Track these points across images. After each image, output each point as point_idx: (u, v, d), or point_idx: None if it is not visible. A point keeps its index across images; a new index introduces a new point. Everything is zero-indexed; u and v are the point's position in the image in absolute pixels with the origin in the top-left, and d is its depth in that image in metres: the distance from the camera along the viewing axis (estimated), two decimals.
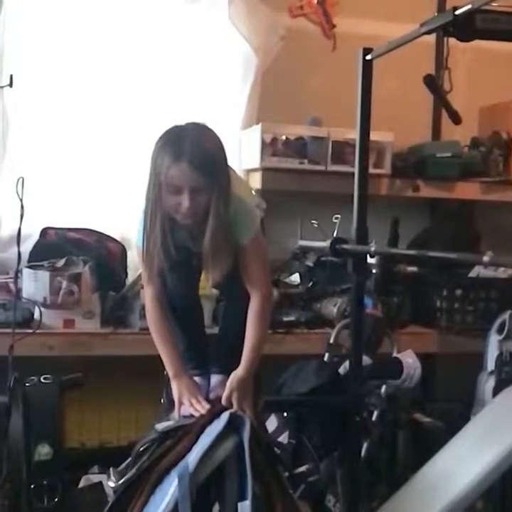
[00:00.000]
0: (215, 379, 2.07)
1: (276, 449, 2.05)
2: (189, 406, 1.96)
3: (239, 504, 1.74)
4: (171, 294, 2.07)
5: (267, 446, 1.95)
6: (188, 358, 2.10)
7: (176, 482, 1.75)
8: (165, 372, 2.07)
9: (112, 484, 2.03)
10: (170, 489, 1.75)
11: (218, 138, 1.92)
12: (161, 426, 1.97)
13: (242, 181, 2.17)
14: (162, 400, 2.16)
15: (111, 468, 2.08)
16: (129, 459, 2.02)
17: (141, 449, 1.97)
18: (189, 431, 1.89)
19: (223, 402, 1.95)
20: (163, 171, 1.84)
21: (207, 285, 2.18)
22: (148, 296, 2.08)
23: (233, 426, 1.83)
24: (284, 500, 1.87)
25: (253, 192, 2.30)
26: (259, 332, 2.00)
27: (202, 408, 1.94)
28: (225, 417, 1.84)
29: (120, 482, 1.97)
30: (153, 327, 2.07)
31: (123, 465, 2.06)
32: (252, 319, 2.00)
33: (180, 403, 1.99)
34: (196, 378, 2.07)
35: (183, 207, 1.86)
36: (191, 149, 1.83)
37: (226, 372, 2.02)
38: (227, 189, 1.92)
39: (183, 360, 2.08)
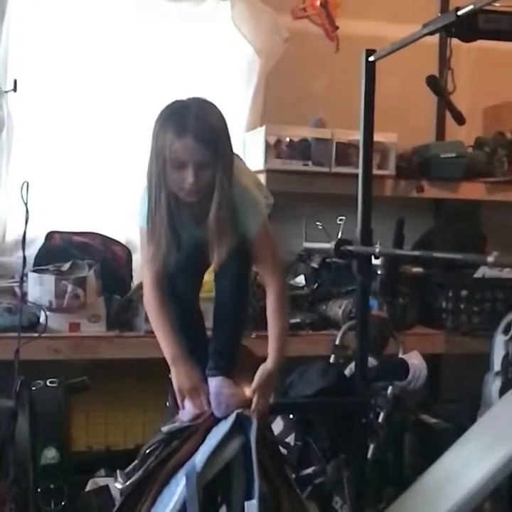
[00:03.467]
0: (213, 383, 1.96)
1: (282, 449, 2.04)
2: (189, 398, 1.92)
3: (246, 503, 1.74)
4: (173, 294, 2.02)
5: (273, 446, 1.95)
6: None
7: (183, 482, 1.75)
8: (170, 375, 2.07)
9: (119, 486, 2.03)
10: (178, 489, 1.76)
11: (221, 113, 1.87)
12: (167, 427, 1.97)
13: (247, 170, 2.10)
14: (167, 403, 2.15)
15: (118, 471, 2.08)
16: (136, 461, 2.03)
17: (148, 450, 1.97)
18: (195, 431, 1.90)
19: (250, 393, 1.90)
20: (167, 146, 1.80)
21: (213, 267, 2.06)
22: (148, 277, 2.00)
23: (240, 426, 1.83)
24: (291, 499, 1.87)
25: (260, 183, 2.22)
26: (281, 321, 1.96)
27: (201, 403, 1.90)
28: (231, 417, 1.84)
29: (127, 483, 1.97)
30: (151, 311, 2.01)
31: (130, 467, 2.07)
32: (272, 310, 1.96)
33: (181, 394, 1.93)
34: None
35: (187, 182, 1.82)
36: (195, 123, 1.79)
37: (223, 372, 1.95)
38: (232, 166, 1.88)
39: None
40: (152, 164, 1.85)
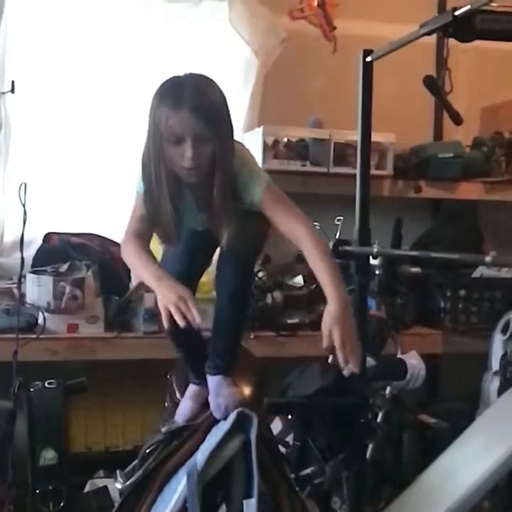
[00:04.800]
0: (212, 382, 1.92)
1: (281, 448, 2.04)
2: (176, 312, 1.65)
3: (244, 502, 1.74)
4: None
5: (272, 445, 1.95)
6: (189, 368, 2.01)
7: (184, 480, 1.75)
8: (168, 376, 2.05)
9: (119, 486, 2.03)
10: (179, 487, 1.76)
11: (221, 89, 1.81)
12: (166, 427, 1.97)
13: (246, 149, 1.97)
14: (166, 404, 2.15)
15: (117, 471, 2.08)
16: (136, 461, 2.03)
17: (148, 450, 1.97)
18: (195, 431, 1.89)
19: (325, 344, 1.74)
20: (163, 120, 1.72)
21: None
22: (129, 231, 1.88)
23: (240, 424, 1.83)
24: (290, 498, 1.87)
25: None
26: (328, 263, 1.79)
27: (192, 316, 1.65)
28: (232, 416, 1.84)
29: (127, 483, 1.97)
30: (128, 250, 1.87)
31: (129, 467, 2.07)
32: (313, 256, 1.78)
33: (167, 311, 1.67)
34: (199, 388, 1.98)
35: (186, 157, 1.73)
36: (192, 95, 1.72)
37: (222, 372, 1.91)
38: (232, 143, 1.80)
39: (184, 377, 2.00)
40: (149, 141, 1.78)
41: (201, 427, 1.89)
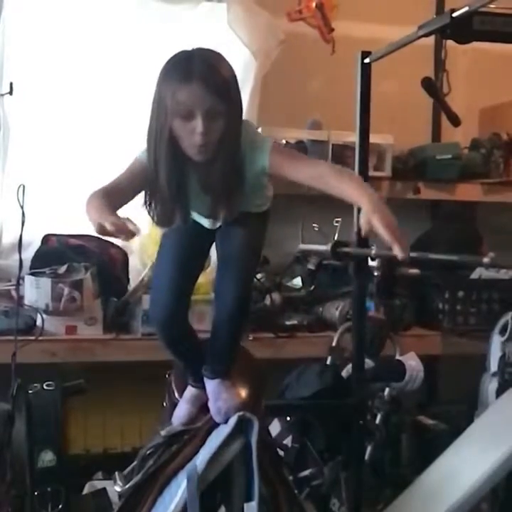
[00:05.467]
0: (210, 386, 1.89)
1: (279, 451, 2.04)
2: (111, 226, 1.58)
3: (245, 505, 1.74)
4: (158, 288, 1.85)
5: (272, 447, 1.95)
6: (187, 372, 1.97)
7: (184, 484, 1.75)
8: (166, 375, 2.05)
9: (118, 489, 2.03)
10: (179, 491, 1.76)
11: (230, 63, 1.74)
12: (166, 430, 1.97)
13: (253, 125, 1.90)
14: (165, 404, 2.15)
15: (116, 473, 2.08)
16: (135, 462, 2.02)
17: (147, 452, 1.97)
18: (195, 435, 1.89)
19: (365, 229, 1.65)
20: (172, 94, 1.65)
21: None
22: (101, 186, 1.75)
23: (240, 428, 1.82)
24: (289, 501, 1.87)
25: None
26: (351, 178, 1.72)
27: (124, 225, 1.56)
28: (233, 420, 1.83)
29: (126, 487, 1.97)
30: (89, 198, 1.74)
31: (128, 468, 2.06)
32: (331, 177, 1.72)
33: (101, 227, 1.61)
34: (197, 390, 1.95)
35: (197, 133, 1.64)
36: (203, 68, 1.65)
37: (220, 375, 1.88)
38: (241, 120, 1.74)
39: (183, 378, 1.97)
40: (153, 117, 1.71)
41: (201, 431, 1.88)
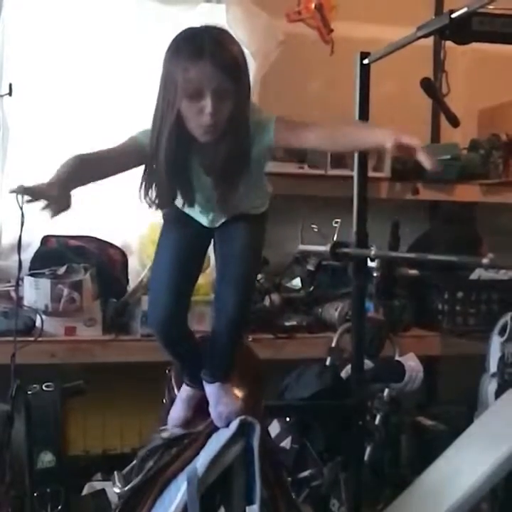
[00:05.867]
0: (210, 390, 1.87)
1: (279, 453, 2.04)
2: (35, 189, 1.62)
3: (247, 508, 1.74)
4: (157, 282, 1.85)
5: (271, 451, 1.94)
6: (182, 371, 1.96)
7: (184, 486, 1.75)
8: (167, 371, 2.04)
9: (117, 490, 2.02)
10: (178, 494, 1.76)
11: (239, 43, 1.69)
12: (167, 434, 1.96)
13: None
14: (164, 400, 2.14)
15: (115, 472, 2.07)
16: (134, 461, 2.02)
17: (147, 453, 1.97)
18: (196, 439, 1.89)
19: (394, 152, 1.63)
20: (180, 72, 1.60)
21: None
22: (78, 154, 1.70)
23: (241, 431, 1.82)
24: (288, 505, 1.87)
25: None
26: (359, 124, 1.78)
27: (43, 193, 1.61)
28: (234, 424, 1.82)
29: (126, 488, 1.96)
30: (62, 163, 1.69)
31: (127, 468, 2.06)
32: (342, 129, 1.73)
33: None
34: (192, 389, 1.93)
35: (206, 113, 1.60)
36: (213, 46, 1.59)
37: (220, 379, 1.86)
38: (249, 102, 1.70)
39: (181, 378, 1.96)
40: (160, 97, 1.66)
41: (202, 435, 1.88)
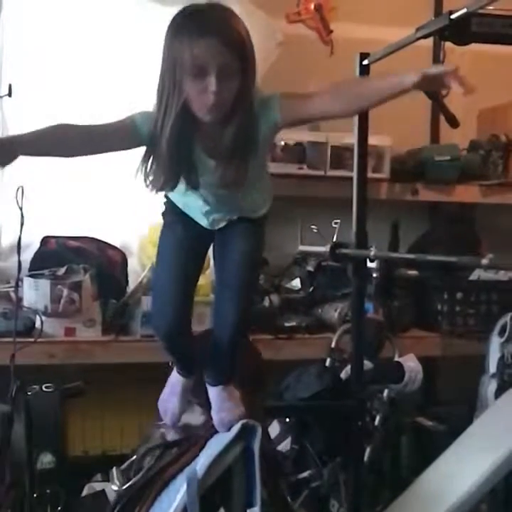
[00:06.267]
0: (213, 393, 1.88)
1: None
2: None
3: (248, 511, 1.75)
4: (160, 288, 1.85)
5: (269, 454, 1.94)
6: (175, 362, 1.96)
7: (183, 488, 1.75)
8: (169, 364, 2.04)
9: (115, 488, 2.02)
10: (177, 495, 1.76)
11: (243, 21, 1.64)
12: (168, 436, 1.97)
13: None
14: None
15: (114, 468, 2.07)
16: (134, 457, 2.02)
17: (146, 450, 1.97)
18: (196, 442, 1.89)
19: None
20: (185, 49, 1.54)
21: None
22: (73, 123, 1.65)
23: (242, 435, 1.82)
24: (283, 509, 1.88)
25: None
26: (372, 76, 1.69)
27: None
28: (236, 428, 1.82)
29: (124, 487, 1.96)
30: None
31: (126, 464, 2.06)
32: (356, 84, 1.71)
33: None
34: (185, 380, 1.95)
35: (210, 91, 1.54)
36: (218, 24, 1.55)
37: (223, 382, 1.87)
38: (254, 82, 1.65)
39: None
40: (164, 75, 1.61)
41: (203, 439, 1.88)
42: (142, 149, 1.68)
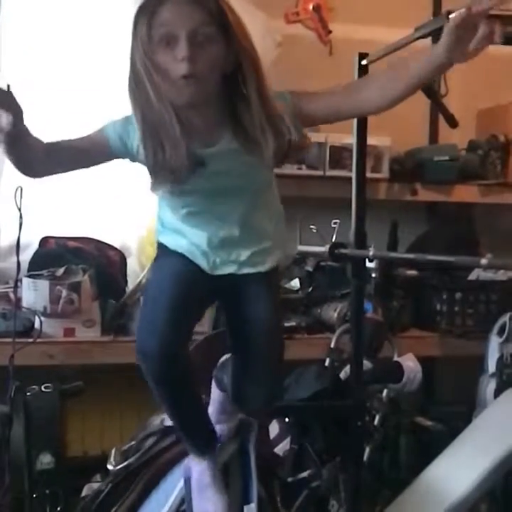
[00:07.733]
0: (214, 394, 1.84)
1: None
2: None
3: (245, 507, 1.75)
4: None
5: (265, 456, 1.95)
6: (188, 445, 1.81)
7: (180, 483, 1.75)
8: None
9: (110, 467, 2.02)
10: (175, 490, 1.77)
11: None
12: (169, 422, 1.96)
13: None
14: None
15: (114, 448, 2.07)
16: (133, 442, 2.03)
17: (146, 435, 1.98)
18: None
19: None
20: (147, 22, 1.35)
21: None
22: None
23: (238, 431, 1.83)
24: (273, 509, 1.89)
25: None
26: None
27: None
28: (233, 425, 1.83)
29: (118, 467, 1.96)
30: None
31: (126, 446, 2.06)
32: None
33: None
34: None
35: (181, 58, 1.33)
36: None
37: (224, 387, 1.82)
38: (251, 42, 1.49)
39: None
40: (134, 58, 1.46)
41: None
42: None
